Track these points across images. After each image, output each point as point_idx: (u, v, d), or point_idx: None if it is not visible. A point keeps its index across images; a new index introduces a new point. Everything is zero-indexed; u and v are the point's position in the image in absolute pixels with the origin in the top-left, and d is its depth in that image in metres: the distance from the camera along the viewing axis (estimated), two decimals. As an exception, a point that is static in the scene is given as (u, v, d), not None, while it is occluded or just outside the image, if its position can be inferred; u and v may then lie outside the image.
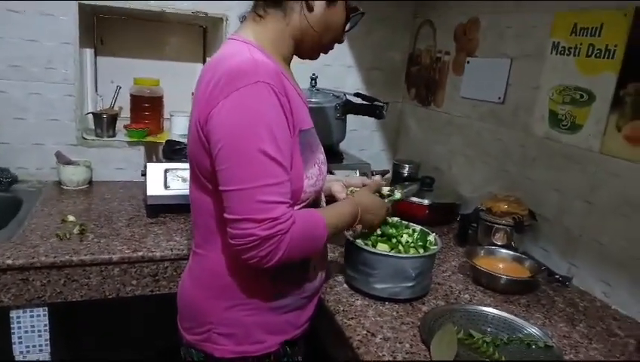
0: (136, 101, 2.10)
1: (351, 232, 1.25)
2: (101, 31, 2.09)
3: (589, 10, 1.39)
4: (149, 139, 2.04)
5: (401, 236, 1.26)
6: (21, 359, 1.37)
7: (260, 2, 1.01)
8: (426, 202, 1.76)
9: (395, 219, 1.33)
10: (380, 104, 1.83)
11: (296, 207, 0.96)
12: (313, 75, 1.96)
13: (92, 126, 2.04)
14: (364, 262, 1.21)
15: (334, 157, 1.95)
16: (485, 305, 1.22)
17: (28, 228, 1.48)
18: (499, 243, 1.52)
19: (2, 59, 1.78)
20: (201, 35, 2.26)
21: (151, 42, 2.18)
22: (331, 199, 1.22)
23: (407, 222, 1.33)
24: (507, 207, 1.51)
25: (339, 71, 2.20)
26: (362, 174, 1.89)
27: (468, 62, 1.90)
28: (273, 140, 0.88)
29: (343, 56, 2.19)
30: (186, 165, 1.63)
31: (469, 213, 1.61)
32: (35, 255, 1.31)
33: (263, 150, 0.87)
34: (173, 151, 1.78)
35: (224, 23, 2.03)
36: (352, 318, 1.14)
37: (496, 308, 1.20)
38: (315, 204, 1.08)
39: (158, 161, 1.71)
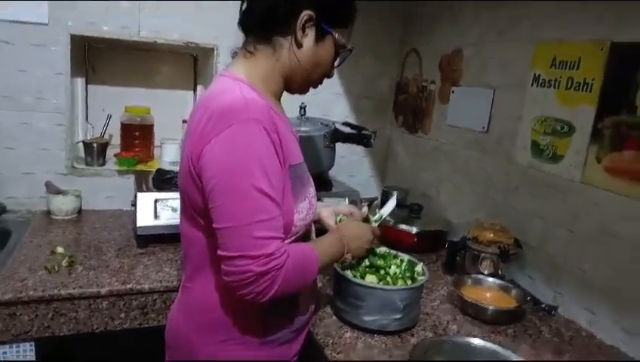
0: (127, 129, 2.11)
1: (340, 264, 1.26)
2: (92, 60, 2.12)
3: (568, 43, 1.44)
4: (140, 167, 2.05)
5: (389, 267, 1.28)
6: (7, 395, 1.35)
7: (249, 39, 1.03)
8: (414, 230, 1.78)
9: (384, 248, 1.35)
10: (368, 133, 1.86)
11: (286, 241, 0.97)
12: (302, 103, 1.99)
13: (82, 154, 2.04)
14: (353, 294, 1.22)
15: (324, 185, 1.97)
16: (473, 336, 1.24)
17: (17, 260, 1.47)
18: (485, 272, 1.54)
19: (-7, 89, 1.79)
20: (192, 64, 2.29)
21: (142, 71, 2.20)
22: (321, 226, 1.24)
23: (395, 252, 1.35)
24: (493, 235, 1.54)
25: (328, 99, 2.23)
26: (351, 202, 1.91)
27: (453, 91, 1.95)
28: (265, 176, 0.90)
29: (332, 85, 2.23)
30: (177, 195, 1.64)
31: (456, 241, 1.64)
32: (24, 289, 1.30)
33: (256, 186, 0.89)
34: (163, 181, 1.79)
35: (214, 52, 2.06)
36: (341, 352, 1.15)
37: (484, 339, 1.21)
38: (305, 236, 1.10)
39: (149, 190, 1.72)
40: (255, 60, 1.03)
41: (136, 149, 2.11)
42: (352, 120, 2.15)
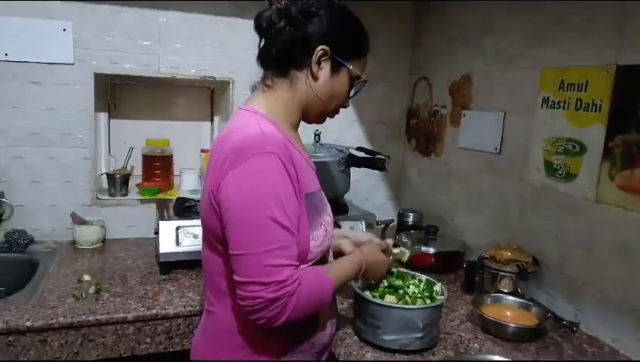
0: (148, 160, 2.19)
1: (358, 284, 1.29)
2: (114, 96, 2.21)
3: (574, 68, 1.48)
4: (160, 196, 2.11)
5: (408, 287, 1.30)
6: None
7: (268, 73, 1.09)
8: (431, 251, 1.81)
9: (402, 269, 1.37)
10: (382, 157, 1.90)
11: (302, 266, 1.00)
12: (317, 131, 2.06)
13: (105, 186, 2.11)
14: (373, 314, 1.24)
15: (340, 209, 2.00)
16: (495, 354, 1.24)
17: (45, 289, 1.52)
18: (505, 291, 1.54)
19: (21, 127, 1.88)
20: (208, 96, 2.37)
21: (161, 104, 2.29)
22: (340, 255, 1.26)
23: (413, 272, 1.37)
24: (510, 254, 1.55)
25: (342, 125, 2.29)
26: (368, 225, 1.94)
27: (464, 115, 1.99)
28: (280, 207, 0.93)
29: (345, 111, 2.23)
30: (197, 222, 1.70)
31: (474, 260, 1.65)
32: (54, 316, 1.35)
33: (270, 216, 0.92)
34: (183, 209, 1.84)
35: (230, 85, 2.14)
36: (364, 371, 1.16)
37: (507, 357, 1.22)
38: (321, 262, 1.12)
39: (170, 218, 1.77)
40: (273, 93, 1.08)
41: (157, 179, 2.17)
42: (365, 145, 2.19)
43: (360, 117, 2.38)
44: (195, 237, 1.71)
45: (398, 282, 1.30)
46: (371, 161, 1.95)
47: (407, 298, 1.27)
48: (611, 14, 1.36)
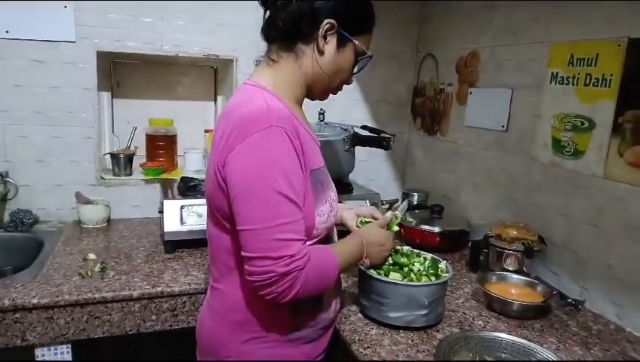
0: (152, 140, 2.18)
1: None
2: (117, 75, 2.19)
3: (585, 42, 1.45)
4: (165, 176, 2.10)
5: (413, 265, 1.29)
6: (45, 397, 1.40)
7: (273, 47, 1.07)
8: (436, 230, 1.80)
9: (407, 247, 1.37)
10: (387, 136, 1.88)
11: (308, 243, 1.00)
12: (321, 109, 2.04)
13: (110, 166, 2.11)
14: (378, 291, 1.24)
15: (344, 189, 1.99)
16: (499, 331, 1.24)
17: (51, 268, 1.53)
18: (510, 269, 1.54)
19: (25, 106, 1.87)
20: (212, 75, 2.35)
21: (164, 84, 2.27)
22: (343, 228, 1.26)
23: (418, 251, 1.37)
24: (516, 232, 1.54)
25: (346, 104, 2.27)
26: (372, 204, 1.93)
27: (470, 92, 1.96)
28: (287, 180, 0.93)
29: (350, 91, 2.25)
30: (201, 201, 1.71)
31: (479, 239, 1.64)
32: (59, 293, 1.35)
33: (278, 190, 0.92)
34: (188, 188, 1.84)
35: (234, 63, 2.12)
36: (368, 347, 1.16)
37: (510, 334, 1.21)
38: (327, 239, 1.13)
39: (174, 197, 1.77)
40: (278, 68, 1.06)
41: (161, 159, 2.17)
42: (370, 124, 2.17)
43: (365, 96, 2.35)
44: (200, 216, 1.71)
45: (403, 260, 1.30)
46: (376, 139, 1.93)
47: (412, 275, 1.26)
48: (624, -14, 1.32)
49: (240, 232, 0.94)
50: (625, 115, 1.32)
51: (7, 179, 1.88)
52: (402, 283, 1.22)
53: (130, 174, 2.11)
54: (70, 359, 1.39)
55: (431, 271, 1.28)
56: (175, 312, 1.46)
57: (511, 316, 1.34)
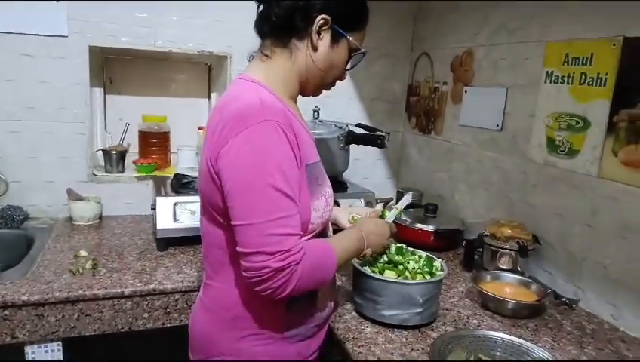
0: (145, 137, 2.16)
1: (358, 261, 1.27)
2: (110, 71, 2.17)
3: (579, 41, 1.45)
4: (157, 173, 2.08)
5: (408, 263, 1.29)
6: (35, 395, 1.38)
7: (266, 42, 1.06)
8: (430, 228, 1.79)
9: (402, 245, 1.36)
10: (382, 134, 1.88)
11: (304, 238, 0.99)
12: (315, 107, 2.03)
13: (102, 163, 2.09)
14: (372, 289, 1.23)
15: (339, 187, 1.98)
16: (494, 330, 1.24)
17: (41, 265, 1.51)
18: (505, 268, 1.54)
19: (16, 101, 1.84)
20: (206, 72, 2.33)
21: (157, 80, 2.25)
22: (337, 228, 1.26)
23: (412, 249, 1.36)
24: (511, 231, 1.54)
25: (341, 102, 2.26)
26: (367, 203, 1.93)
27: (465, 91, 1.96)
28: (282, 175, 0.92)
29: (344, 89, 2.26)
30: (194, 198, 1.69)
31: (473, 238, 1.64)
32: (50, 290, 1.33)
33: (273, 185, 0.91)
34: (181, 185, 1.82)
35: (228, 60, 2.10)
36: (362, 346, 1.15)
37: (505, 333, 1.21)
38: (322, 234, 1.12)
39: (167, 194, 1.75)
40: (272, 63, 1.05)
41: (154, 156, 2.14)
42: (365, 123, 2.17)
43: (359, 94, 2.34)
44: (193, 213, 1.69)
45: (398, 258, 1.29)
46: (371, 137, 1.93)
47: (407, 273, 1.26)
48: (619, -15, 1.32)
49: (235, 228, 0.93)
50: (620, 114, 1.33)
51: (-2, 175, 1.85)
52: (397, 281, 1.22)
53: (123, 171, 2.09)
54: (61, 357, 1.37)
55: (426, 270, 1.28)
56: (167, 310, 1.44)
57: (505, 315, 1.34)
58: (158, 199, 1.69)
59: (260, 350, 1.05)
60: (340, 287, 1.43)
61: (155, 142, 2.16)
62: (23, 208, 1.88)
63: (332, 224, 1.27)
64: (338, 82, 1.15)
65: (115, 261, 1.58)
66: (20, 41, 1.80)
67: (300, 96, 1.14)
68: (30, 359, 1.35)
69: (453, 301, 1.43)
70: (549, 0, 1.55)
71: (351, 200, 1.88)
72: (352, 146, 2.00)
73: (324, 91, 1.16)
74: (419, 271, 1.27)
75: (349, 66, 1.12)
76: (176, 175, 1.90)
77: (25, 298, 1.30)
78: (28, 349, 1.35)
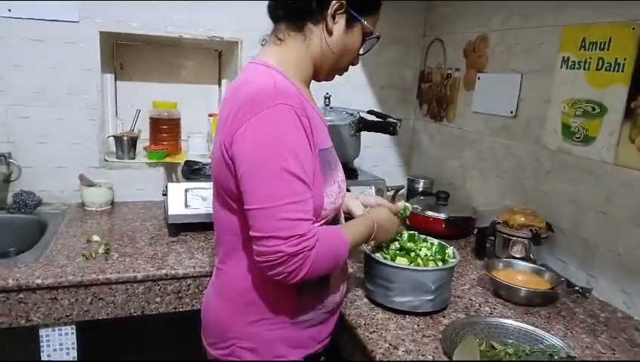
0: (155, 123, 2.16)
1: (369, 247, 1.27)
2: (120, 57, 2.17)
3: (597, 25, 1.42)
4: (168, 159, 2.09)
5: (420, 249, 1.28)
6: (50, 377, 1.40)
7: (281, 26, 1.05)
8: (442, 216, 1.78)
9: (414, 232, 1.35)
10: (394, 120, 1.86)
11: (316, 224, 0.99)
12: (326, 93, 2.01)
13: (113, 149, 2.10)
14: (384, 275, 1.23)
15: (349, 174, 1.97)
16: (506, 317, 1.23)
17: (54, 249, 1.52)
18: (517, 256, 1.53)
19: (27, 86, 1.85)
20: (216, 58, 2.32)
21: (168, 67, 2.25)
22: (349, 216, 1.25)
23: (424, 236, 1.35)
24: (524, 219, 1.52)
25: (352, 89, 2.24)
26: (377, 190, 1.92)
27: (478, 77, 1.94)
28: (296, 159, 0.91)
29: (355, 75, 2.24)
30: (205, 184, 1.69)
31: (485, 226, 1.63)
32: (63, 274, 1.35)
33: (287, 169, 0.90)
34: (192, 171, 1.82)
35: (239, 46, 2.09)
36: (374, 332, 1.15)
37: (517, 320, 1.21)
38: (334, 221, 1.11)
39: (178, 180, 1.75)
40: (285, 47, 1.04)
41: (165, 143, 2.15)
42: (376, 110, 2.15)
43: (370, 81, 2.32)
44: (204, 199, 1.70)
45: (410, 244, 1.28)
46: (382, 124, 1.91)
47: (419, 260, 1.25)
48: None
49: (248, 212, 0.93)
50: (638, 99, 1.30)
51: (11, 160, 1.86)
52: (409, 267, 1.21)
53: (134, 157, 2.09)
54: (74, 339, 1.39)
55: (438, 257, 1.27)
56: (180, 295, 1.45)
57: (518, 303, 1.33)
58: (170, 185, 1.70)
59: (272, 334, 1.05)
60: (351, 274, 1.43)
61: (165, 129, 2.17)
62: (35, 193, 1.89)
63: (345, 213, 1.27)
64: (349, 69, 1.14)
65: (127, 246, 1.58)
66: (30, 26, 1.80)
67: (312, 81, 1.13)
68: (44, 342, 1.37)
69: (465, 288, 1.42)
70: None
71: (362, 188, 1.88)
72: (363, 133, 1.99)
73: (336, 77, 1.15)
74: (431, 258, 1.26)
75: (362, 51, 1.11)
76: (187, 161, 1.90)
77: (39, 281, 1.31)
78: (42, 332, 1.37)
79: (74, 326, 1.38)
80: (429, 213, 1.80)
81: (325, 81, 1.14)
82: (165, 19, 1.97)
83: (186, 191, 1.70)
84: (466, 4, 2.02)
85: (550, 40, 1.58)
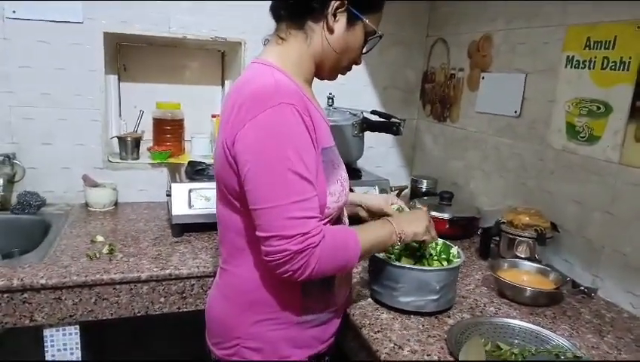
0: (159, 124, 2.16)
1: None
2: (124, 58, 2.17)
3: (602, 24, 1.42)
4: (172, 160, 2.09)
5: (425, 249, 1.28)
6: (54, 377, 1.40)
7: (282, 25, 1.05)
8: (446, 216, 1.78)
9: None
10: (397, 120, 1.86)
11: (322, 223, 0.98)
12: (330, 94, 2.01)
13: (117, 149, 2.10)
14: (389, 276, 1.22)
15: (353, 174, 1.97)
16: (511, 318, 1.23)
17: (58, 249, 1.52)
18: (522, 256, 1.52)
19: (32, 88, 1.85)
20: (219, 59, 2.33)
21: (171, 68, 2.25)
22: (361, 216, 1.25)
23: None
24: (529, 219, 1.52)
25: (354, 90, 2.23)
26: (381, 190, 1.92)
27: (482, 77, 1.93)
28: (299, 158, 0.91)
29: (358, 76, 2.24)
30: (209, 185, 1.69)
31: (490, 226, 1.62)
32: (67, 274, 1.35)
33: (290, 168, 0.90)
34: (195, 172, 1.82)
35: (242, 46, 2.09)
36: (379, 331, 1.15)
37: (523, 320, 1.20)
38: (338, 220, 1.11)
39: (182, 181, 1.75)
40: (287, 46, 1.04)
41: (168, 143, 2.15)
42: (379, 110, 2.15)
43: (373, 81, 2.32)
44: (208, 200, 1.70)
45: (415, 244, 1.28)
46: (386, 124, 1.91)
47: (424, 260, 1.25)
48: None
49: (253, 212, 0.93)
50: (644, 99, 1.29)
51: (15, 161, 1.87)
52: (414, 267, 1.21)
53: (138, 158, 2.10)
54: (78, 340, 1.39)
55: (443, 257, 1.27)
56: (184, 295, 1.45)
57: (523, 303, 1.33)
58: (174, 185, 1.70)
59: (277, 334, 1.05)
60: (356, 274, 1.43)
61: (169, 130, 2.17)
62: (39, 194, 1.90)
63: (350, 214, 1.26)
64: (353, 70, 1.13)
65: (131, 246, 1.59)
66: (35, 27, 1.81)
67: (317, 80, 1.12)
68: (49, 342, 1.37)
69: (469, 289, 1.42)
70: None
71: (365, 188, 1.87)
72: (366, 134, 1.99)
73: (339, 77, 1.14)
74: (436, 258, 1.26)
75: (365, 50, 1.10)
76: (190, 162, 1.91)
77: (43, 281, 1.31)
78: (46, 332, 1.37)
79: (78, 327, 1.38)
80: (433, 214, 1.78)
81: (328, 80, 1.14)
82: (169, 20, 1.97)
83: (190, 191, 1.70)
84: (469, 3, 2.02)
85: (555, 39, 1.58)
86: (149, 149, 2.11)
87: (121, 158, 2.07)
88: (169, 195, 1.71)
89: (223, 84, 2.35)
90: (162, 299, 1.43)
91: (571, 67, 1.52)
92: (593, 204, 1.45)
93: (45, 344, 1.37)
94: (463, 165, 2.07)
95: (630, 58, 1.33)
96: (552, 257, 1.57)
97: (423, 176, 2.23)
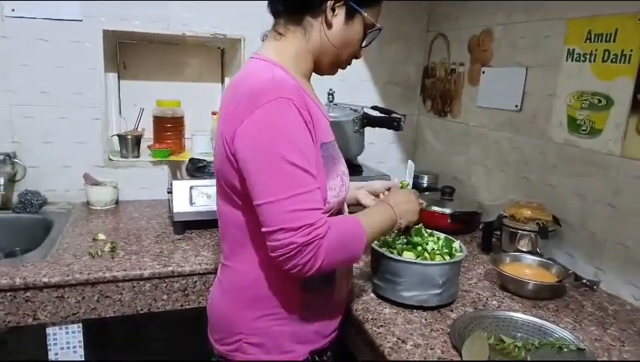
0: (159, 122, 2.16)
1: (377, 241, 1.26)
2: (123, 56, 2.17)
3: (602, 17, 1.41)
4: (173, 158, 2.09)
5: (427, 244, 1.28)
6: (58, 375, 1.40)
7: (280, 20, 1.05)
8: (447, 211, 1.78)
9: (421, 226, 1.34)
10: (398, 116, 1.85)
11: (325, 215, 0.98)
12: (330, 90, 2.01)
13: (117, 148, 2.10)
14: (391, 270, 1.22)
15: (354, 170, 1.96)
16: (514, 311, 1.23)
17: (61, 248, 1.52)
18: (524, 250, 1.52)
19: (32, 86, 1.85)
20: (219, 56, 2.32)
21: (170, 65, 2.25)
22: (356, 208, 1.25)
23: (431, 230, 1.35)
24: (531, 213, 1.52)
25: (355, 85, 2.23)
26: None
27: (483, 72, 1.93)
28: (299, 152, 0.91)
29: (358, 71, 2.24)
30: (210, 182, 1.69)
31: (492, 220, 1.62)
32: (70, 272, 1.35)
33: (290, 161, 0.90)
34: (196, 169, 1.82)
35: (242, 43, 2.09)
36: (382, 326, 1.15)
37: (525, 314, 1.20)
38: (338, 214, 1.11)
39: (183, 178, 1.75)
40: (285, 41, 1.04)
41: (169, 141, 2.15)
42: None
43: (374, 77, 2.31)
44: (209, 197, 1.69)
45: (417, 239, 1.28)
46: (386, 120, 1.90)
47: (426, 254, 1.25)
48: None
49: (257, 207, 0.92)
50: (645, 91, 1.29)
51: (15, 160, 1.87)
52: (417, 262, 1.21)
53: (138, 156, 2.09)
54: (81, 338, 1.39)
55: (445, 251, 1.27)
56: (186, 292, 1.45)
57: (525, 296, 1.33)
58: (175, 183, 1.69)
59: (279, 330, 1.05)
60: (358, 269, 1.43)
61: (169, 127, 2.17)
62: (40, 193, 1.90)
63: (353, 205, 1.26)
64: (352, 65, 1.13)
65: (133, 244, 1.59)
66: (35, 25, 1.80)
67: (317, 76, 1.12)
68: (52, 340, 1.37)
69: (472, 283, 1.42)
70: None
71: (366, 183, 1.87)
72: (367, 130, 1.98)
73: (339, 72, 1.14)
74: (438, 252, 1.26)
75: (364, 43, 1.09)
76: (191, 159, 1.90)
77: (46, 279, 1.31)
78: (49, 330, 1.37)
79: (81, 325, 1.38)
80: (434, 208, 1.79)
81: (328, 75, 1.13)
82: (168, 17, 1.96)
83: (191, 188, 1.70)
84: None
85: (555, 33, 1.58)
86: (149, 147, 2.11)
87: (121, 156, 2.07)
88: (170, 193, 1.70)
89: (222, 81, 2.34)
90: (165, 297, 1.43)
91: (572, 60, 1.51)
92: (595, 197, 1.45)
93: (48, 342, 1.37)
94: (464, 160, 2.07)
95: (631, 51, 1.33)
96: (555, 250, 1.57)
97: (424, 171, 2.23)
